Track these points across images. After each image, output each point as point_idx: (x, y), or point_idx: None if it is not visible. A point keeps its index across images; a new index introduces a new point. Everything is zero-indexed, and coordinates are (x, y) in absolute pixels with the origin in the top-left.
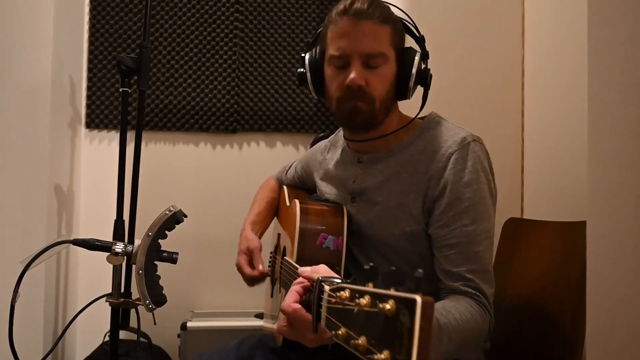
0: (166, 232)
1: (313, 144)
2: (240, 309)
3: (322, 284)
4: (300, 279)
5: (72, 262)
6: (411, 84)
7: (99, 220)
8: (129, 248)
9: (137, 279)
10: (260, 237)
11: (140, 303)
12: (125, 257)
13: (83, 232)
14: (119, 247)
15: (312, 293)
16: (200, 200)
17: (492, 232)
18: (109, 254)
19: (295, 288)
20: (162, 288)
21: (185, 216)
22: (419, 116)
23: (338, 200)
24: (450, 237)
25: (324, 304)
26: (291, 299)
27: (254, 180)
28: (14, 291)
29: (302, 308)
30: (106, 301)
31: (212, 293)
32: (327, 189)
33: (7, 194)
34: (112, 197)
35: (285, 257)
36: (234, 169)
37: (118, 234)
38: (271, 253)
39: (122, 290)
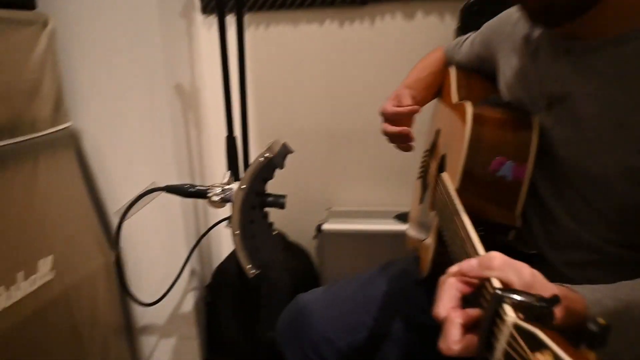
0: (264, 181)
1: (464, 12)
2: (380, 206)
3: (502, 303)
4: (463, 271)
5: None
6: None
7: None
8: (228, 193)
9: (234, 240)
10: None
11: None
12: (227, 203)
13: (215, 131)
14: (215, 193)
15: (481, 299)
16: (332, 88)
17: None
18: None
19: (456, 285)
20: (269, 244)
21: (291, 151)
22: None
23: (527, 105)
24: None
25: (502, 340)
26: (448, 303)
27: (390, 62)
28: (114, 242)
29: (465, 320)
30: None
31: (350, 189)
32: (512, 83)
33: (130, 102)
34: (237, 91)
35: (443, 174)
36: (367, 50)
37: (231, 154)
38: (425, 152)
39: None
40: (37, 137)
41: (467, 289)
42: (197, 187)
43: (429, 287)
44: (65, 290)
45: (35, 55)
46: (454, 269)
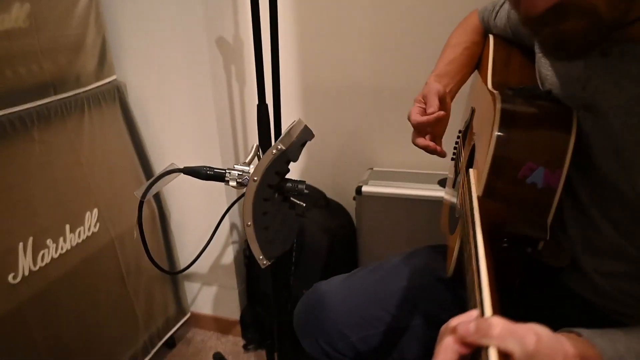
0: (278, 174)
1: None
2: (424, 169)
3: None
4: (460, 335)
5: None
6: None
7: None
8: (246, 178)
9: (246, 231)
10: (452, 96)
11: None
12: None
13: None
14: (233, 177)
15: None
16: (378, 41)
17: None
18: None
19: (453, 347)
20: (286, 231)
21: (310, 138)
22: None
23: (567, 100)
24: None
25: None
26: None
27: (442, 14)
28: (137, 222)
29: None
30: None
31: (393, 149)
32: (546, 75)
33: (172, 54)
34: (284, 41)
35: (471, 171)
36: (413, 3)
37: (262, 122)
38: (459, 133)
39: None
40: (83, 92)
41: (465, 351)
42: (215, 170)
43: (452, 285)
44: (110, 241)
45: (78, 10)
46: (453, 323)
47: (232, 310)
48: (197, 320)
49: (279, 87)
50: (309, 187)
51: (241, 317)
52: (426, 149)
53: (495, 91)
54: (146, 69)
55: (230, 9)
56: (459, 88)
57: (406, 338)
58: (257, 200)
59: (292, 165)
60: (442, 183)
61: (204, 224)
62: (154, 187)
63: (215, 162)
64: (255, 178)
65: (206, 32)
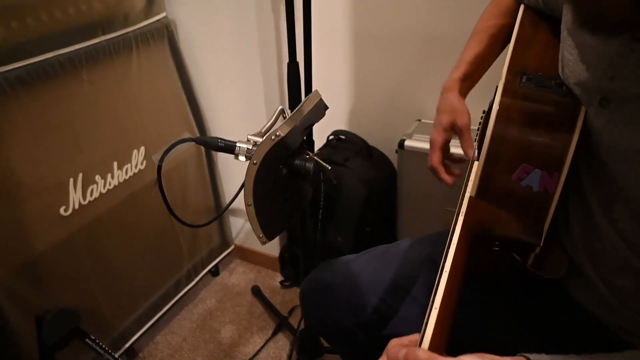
0: (278, 160)
1: None
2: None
3: None
4: (390, 358)
5: None
6: None
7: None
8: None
9: (247, 210)
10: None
11: None
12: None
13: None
14: (242, 151)
15: None
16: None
17: None
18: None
19: None
20: (287, 209)
21: (321, 116)
22: None
23: (578, 91)
24: None
25: None
26: None
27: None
28: (157, 183)
29: None
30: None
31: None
32: (568, 59)
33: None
34: None
35: (475, 163)
36: None
37: (292, 82)
38: (483, 113)
39: None
40: (132, 31)
41: None
42: (226, 142)
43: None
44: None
45: None
46: (392, 343)
47: (273, 247)
48: (240, 253)
49: (311, 43)
50: (351, 135)
51: (280, 254)
52: (441, 181)
53: (500, 83)
54: (195, 7)
55: None
56: (481, 76)
57: (396, 320)
58: (258, 182)
59: (335, 112)
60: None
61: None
62: (170, 153)
63: (259, 110)
64: (254, 161)
65: None
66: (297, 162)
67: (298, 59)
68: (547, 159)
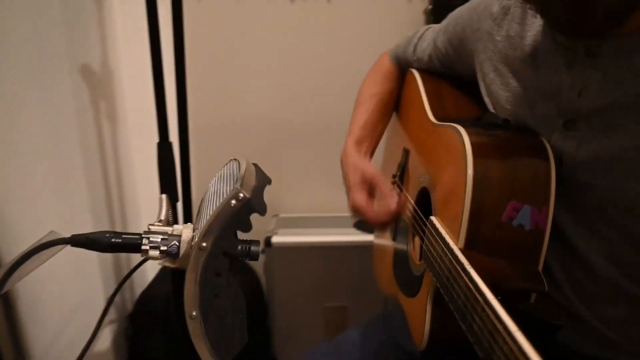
0: (235, 235)
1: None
2: (336, 211)
3: None
4: None
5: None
6: None
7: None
8: (173, 246)
9: (190, 326)
10: (371, 155)
11: None
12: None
13: (134, 128)
14: (154, 243)
15: None
16: (280, 75)
17: None
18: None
19: None
20: (238, 321)
21: (268, 182)
22: None
23: (531, 125)
24: None
25: None
26: None
27: (349, 47)
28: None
29: None
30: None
31: (299, 191)
32: (505, 98)
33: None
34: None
35: (433, 219)
36: (323, 31)
37: (165, 167)
38: (394, 178)
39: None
40: None
41: None
42: (124, 236)
43: None
44: None
45: None
46: None
47: None
48: None
49: (186, 119)
50: None
51: None
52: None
53: (455, 125)
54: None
55: (95, 36)
56: (377, 143)
57: None
58: (207, 276)
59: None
60: (359, 226)
61: (70, 300)
62: (29, 264)
63: (85, 227)
64: (203, 244)
65: (69, 61)
66: (240, 247)
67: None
68: (533, 192)
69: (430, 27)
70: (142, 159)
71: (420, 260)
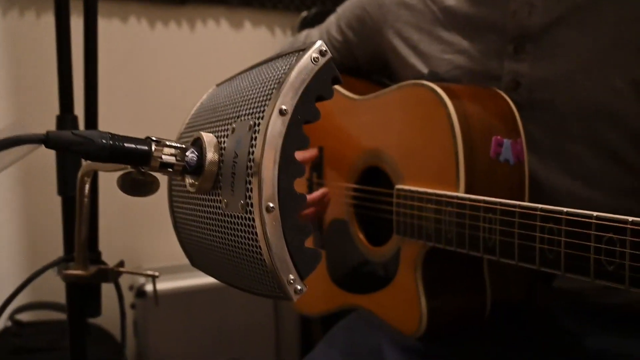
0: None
1: (301, 27)
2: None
3: None
4: None
5: None
6: None
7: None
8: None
9: (267, 219)
10: None
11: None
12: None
13: None
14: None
15: None
16: (133, 107)
17: None
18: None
19: None
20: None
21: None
22: None
23: (482, 59)
24: None
25: None
26: None
27: (213, 77)
28: None
29: None
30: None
31: (159, 240)
32: (442, 47)
33: None
34: None
35: (400, 187)
36: (184, 59)
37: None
38: (307, 180)
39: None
40: None
41: None
42: (136, 140)
43: (423, 354)
44: None
45: None
46: None
47: None
48: None
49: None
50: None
51: None
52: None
53: (409, 82)
54: None
55: None
56: None
57: None
58: (287, 154)
59: None
60: None
61: None
62: None
63: None
64: (283, 107)
65: None
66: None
67: None
68: (505, 126)
69: (314, 28)
70: None
71: (396, 234)
